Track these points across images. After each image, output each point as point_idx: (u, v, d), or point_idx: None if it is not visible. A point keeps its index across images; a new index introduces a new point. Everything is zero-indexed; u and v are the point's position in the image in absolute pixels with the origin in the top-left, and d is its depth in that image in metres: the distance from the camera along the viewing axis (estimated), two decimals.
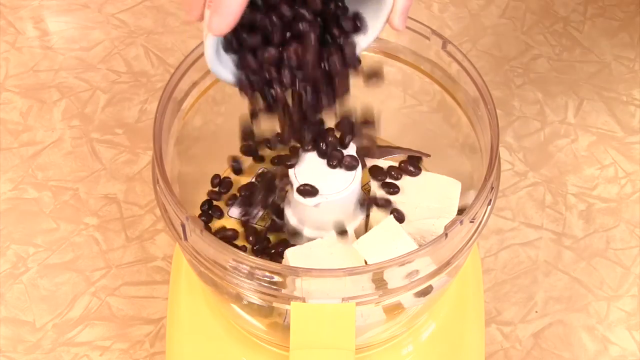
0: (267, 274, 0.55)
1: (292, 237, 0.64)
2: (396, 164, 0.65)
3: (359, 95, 0.74)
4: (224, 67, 0.55)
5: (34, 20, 1.05)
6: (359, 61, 0.58)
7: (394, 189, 0.63)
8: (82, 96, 0.97)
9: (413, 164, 0.64)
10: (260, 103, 0.57)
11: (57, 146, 0.93)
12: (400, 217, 0.62)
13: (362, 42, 0.57)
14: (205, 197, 0.69)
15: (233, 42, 0.54)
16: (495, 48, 1.02)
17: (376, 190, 0.63)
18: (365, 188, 0.66)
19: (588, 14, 1.06)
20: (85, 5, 1.06)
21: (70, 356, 0.79)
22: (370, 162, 0.65)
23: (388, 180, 0.64)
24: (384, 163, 0.66)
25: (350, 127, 0.62)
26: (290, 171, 0.61)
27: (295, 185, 0.60)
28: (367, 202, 0.63)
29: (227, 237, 0.64)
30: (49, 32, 1.04)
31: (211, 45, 0.52)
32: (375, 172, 0.64)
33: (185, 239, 0.57)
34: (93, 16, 1.05)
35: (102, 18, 1.05)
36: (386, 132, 0.70)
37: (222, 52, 0.54)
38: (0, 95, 0.97)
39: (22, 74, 0.99)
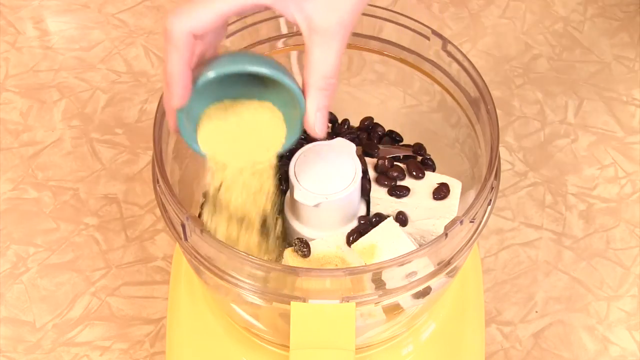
0: (267, 274, 0.55)
1: (291, 237, 0.64)
2: (400, 164, 0.65)
3: (360, 96, 0.74)
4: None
5: (34, 20, 1.05)
6: None
7: (402, 192, 0.63)
8: (82, 96, 0.97)
9: (417, 167, 0.64)
10: None
11: (57, 146, 0.93)
12: (404, 220, 0.62)
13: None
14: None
15: None
16: (495, 48, 1.02)
17: (382, 196, 0.63)
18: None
19: (588, 14, 1.05)
20: (85, 5, 1.06)
21: (70, 356, 0.79)
22: (370, 161, 0.65)
23: (395, 183, 0.64)
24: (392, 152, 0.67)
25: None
26: (291, 171, 0.61)
27: (296, 186, 0.60)
28: (375, 218, 0.63)
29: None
30: (49, 32, 1.04)
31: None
32: (381, 180, 0.63)
33: (185, 239, 0.57)
34: (93, 16, 1.05)
35: (102, 18, 1.05)
36: None
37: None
38: (0, 95, 0.97)
39: (22, 74, 0.99)
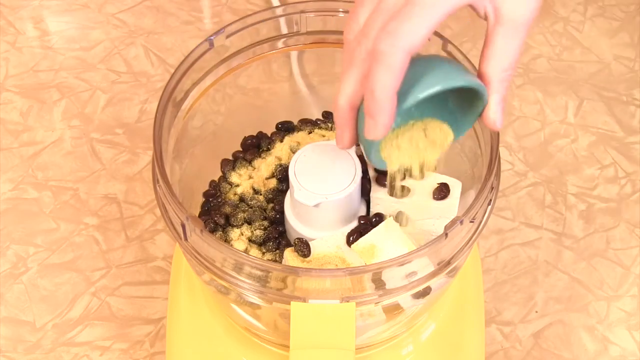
0: (267, 274, 0.55)
1: (291, 237, 0.64)
2: None
3: None
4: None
5: (34, 20, 1.05)
6: None
7: (402, 192, 0.63)
8: (82, 96, 0.97)
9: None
10: None
11: (57, 146, 0.93)
12: (404, 220, 0.62)
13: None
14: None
15: None
16: None
17: (382, 196, 0.63)
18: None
19: (588, 14, 1.06)
20: (85, 5, 1.06)
21: (70, 356, 0.79)
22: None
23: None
24: None
25: None
26: (291, 171, 0.61)
27: (296, 186, 0.60)
28: (375, 218, 0.63)
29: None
30: (49, 32, 1.04)
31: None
32: (381, 180, 0.63)
33: (185, 239, 0.57)
34: (93, 16, 1.05)
35: (102, 18, 1.05)
36: None
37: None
38: (0, 95, 0.97)
39: (22, 74, 0.99)
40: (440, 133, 0.56)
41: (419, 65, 0.51)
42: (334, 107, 0.53)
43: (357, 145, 0.65)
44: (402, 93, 0.50)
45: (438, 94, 0.51)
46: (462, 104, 0.55)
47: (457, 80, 0.51)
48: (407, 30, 0.47)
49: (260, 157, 0.69)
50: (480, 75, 0.53)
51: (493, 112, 0.53)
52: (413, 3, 0.47)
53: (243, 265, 0.55)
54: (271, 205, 0.66)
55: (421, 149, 0.56)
